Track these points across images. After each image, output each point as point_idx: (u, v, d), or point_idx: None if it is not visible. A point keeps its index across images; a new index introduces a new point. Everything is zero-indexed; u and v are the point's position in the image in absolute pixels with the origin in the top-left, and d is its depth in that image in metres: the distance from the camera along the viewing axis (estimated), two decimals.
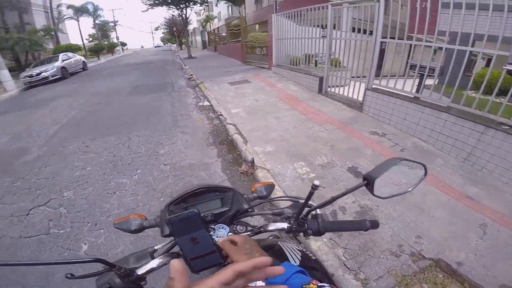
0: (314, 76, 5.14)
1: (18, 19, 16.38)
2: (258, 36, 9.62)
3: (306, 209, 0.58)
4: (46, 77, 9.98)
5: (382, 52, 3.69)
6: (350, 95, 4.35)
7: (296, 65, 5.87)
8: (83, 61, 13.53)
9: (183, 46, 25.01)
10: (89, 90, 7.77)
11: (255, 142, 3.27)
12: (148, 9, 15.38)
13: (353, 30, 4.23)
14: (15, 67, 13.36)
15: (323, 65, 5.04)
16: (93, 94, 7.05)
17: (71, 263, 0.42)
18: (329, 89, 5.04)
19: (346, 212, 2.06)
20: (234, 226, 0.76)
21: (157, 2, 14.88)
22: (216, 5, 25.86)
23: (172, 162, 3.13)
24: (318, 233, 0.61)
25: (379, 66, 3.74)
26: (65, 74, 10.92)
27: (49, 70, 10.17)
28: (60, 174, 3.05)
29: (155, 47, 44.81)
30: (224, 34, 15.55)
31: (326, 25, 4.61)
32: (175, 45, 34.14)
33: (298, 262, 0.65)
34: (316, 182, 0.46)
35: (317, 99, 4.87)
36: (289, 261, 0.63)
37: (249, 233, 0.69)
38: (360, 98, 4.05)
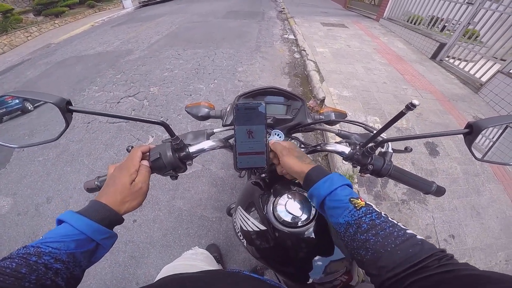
0: (434, 40, 4.23)
1: None
2: None
3: (379, 139, 0.49)
4: None
5: None
6: (472, 72, 3.42)
7: (414, 24, 5.11)
8: None
9: None
10: (190, 10, 8.36)
11: (333, 83, 2.99)
12: None
13: None
14: None
15: (451, 33, 4.15)
16: (193, 14, 7.58)
17: (140, 121, 0.44)
18: (446, 59, 4.03)
19: None
20: (290, 138, 0.74)
21: None
22: None
23: (246, 80, 3.25)
24: (379, 173, 0.52)
25: None
26: None
27: None
28: (152, 73, 3.58)
29: None
30: None
31: None
32: None
33: None
34: (416, 101, 0.35)
35: (425, 63, 3.95)
36: None
37: (303, 149, 0.65)
38: (484, 79, 3.14)
